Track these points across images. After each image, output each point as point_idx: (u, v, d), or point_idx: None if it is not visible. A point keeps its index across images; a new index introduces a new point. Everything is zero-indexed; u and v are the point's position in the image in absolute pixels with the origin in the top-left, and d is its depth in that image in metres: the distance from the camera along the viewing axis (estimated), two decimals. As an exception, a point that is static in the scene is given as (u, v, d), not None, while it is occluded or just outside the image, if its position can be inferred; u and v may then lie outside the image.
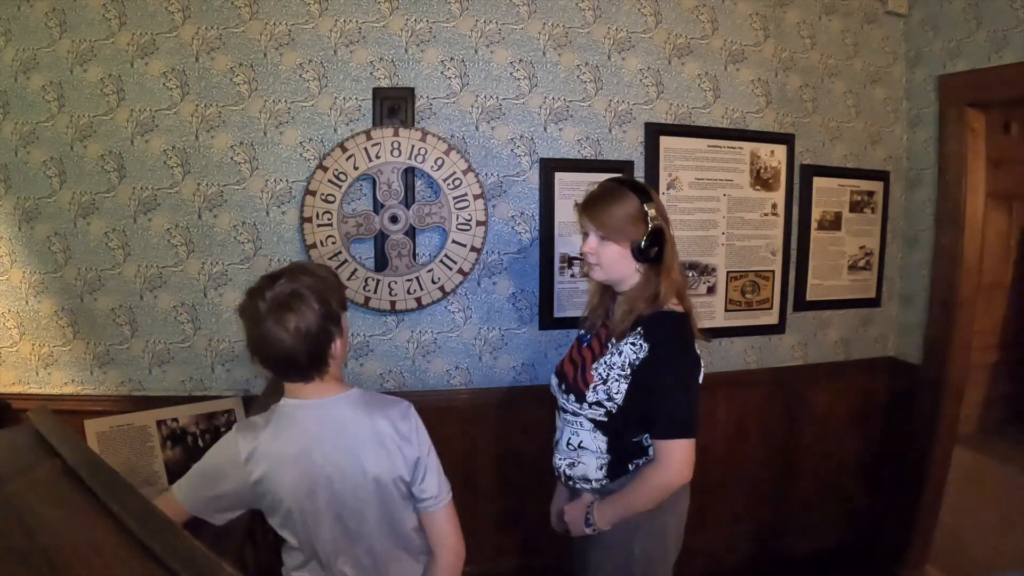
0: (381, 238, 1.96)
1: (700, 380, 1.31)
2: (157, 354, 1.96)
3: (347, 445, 1.09)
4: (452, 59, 1.98)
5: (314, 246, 1.91)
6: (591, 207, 1.31)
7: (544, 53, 2.04)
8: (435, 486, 1.16)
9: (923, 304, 2.37)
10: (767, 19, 2.22)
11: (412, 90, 1.95)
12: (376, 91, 1.93)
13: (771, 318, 2.33)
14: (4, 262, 1.91)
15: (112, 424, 1.81)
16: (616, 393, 1.28)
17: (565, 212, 2.07)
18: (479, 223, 1.99)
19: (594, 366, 1.33)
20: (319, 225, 1.91)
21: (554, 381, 1.46)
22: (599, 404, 1.30)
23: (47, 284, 1.92)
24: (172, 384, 1.97)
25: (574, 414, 1.36)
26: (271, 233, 1.94)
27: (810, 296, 2.38)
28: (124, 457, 1.79)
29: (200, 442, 1.88)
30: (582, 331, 1.50)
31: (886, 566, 2.40)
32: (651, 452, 1.31)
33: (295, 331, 1.04)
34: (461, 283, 2.01)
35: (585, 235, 1.36)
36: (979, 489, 2.94)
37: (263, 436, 1.08)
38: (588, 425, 1.34)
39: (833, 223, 2.37)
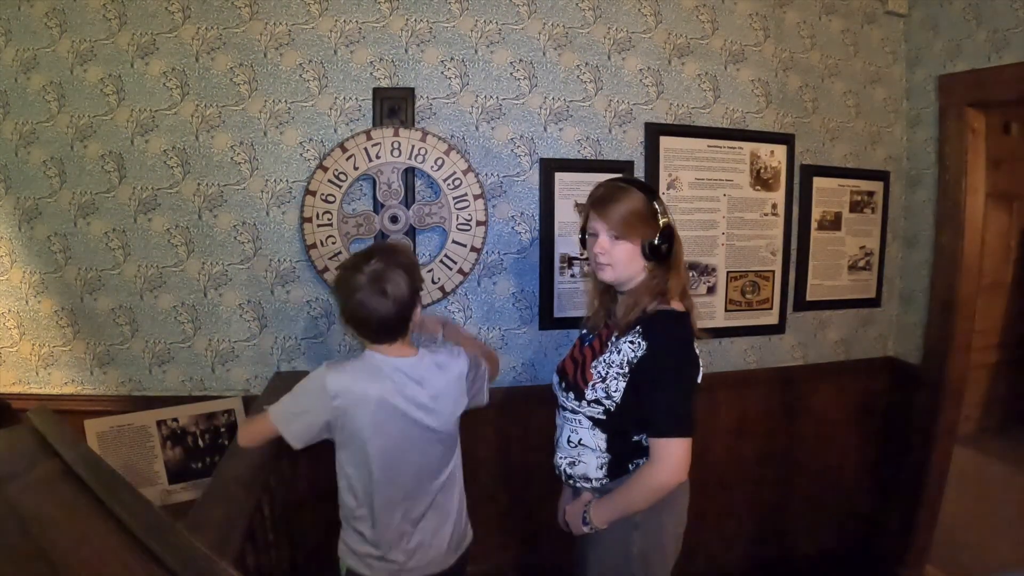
0: (381, 238, 1.96)
1: (699, 380, 1.31)
2: (157, 354, 1.96)
3: (425, 391, 1.33)
4: (452, 59, 1.98)
5: (314, 246, 1.91)
6: (602, 206, 1.29)
7: (544, 53, 2.04)
8: (486, 384, 1.52)
9: (923, 304, 2.37)
10: (767, 19, 2.22)
11: (412, 90, 1.95)
12: (376, 91, 1.93)
13: (771, 318, 2.33)
14: (4, 262, 1.91)
15: (112, 424, 1.81)
16: (614, 391, 1.28)
17: (565, 212, 2.07)
18: (479, 223, 1.99)
19: (593, 364, 1.33)
20: (319, 225, 1.91)
21: (555, 379, 1.46)
22: (598, 402, 1.30)
23: (47, 284, 1.92)
24: (172, 384, 1.97)
25: (573, 412, 1.36)
26: (271, 233, 1.95)
27: (810, 296, 2.38)
28: (124, 457, 1.79)
29: (200, 442, 1.88)
30: (584, 331, 1.49)
31: (886, 566, 2.40)
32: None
33: (392, 299, 1.25)
34: (461, 283, 2.01)
35: (592, 236, 1.34)
36: (979, 489, 2.94)
37: (350, 378, 1.27)
38: (587, 423, 1.34)
39: (833, 223, 2.37)
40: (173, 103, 1.87)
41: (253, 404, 1.72)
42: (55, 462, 0.60)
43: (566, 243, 2.09)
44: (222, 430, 1.90)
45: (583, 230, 1.40)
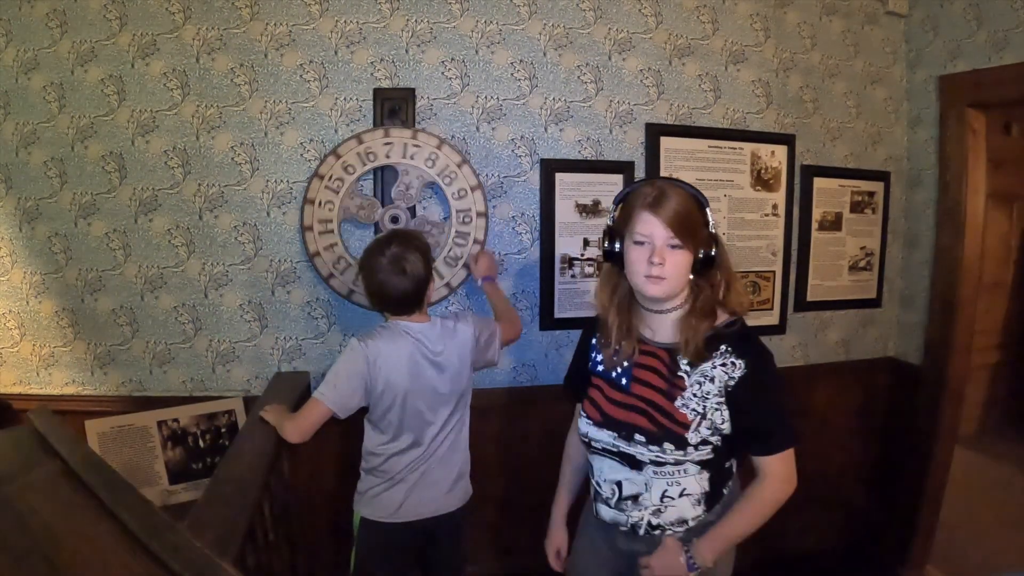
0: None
1: None
2: (158, 354, 1.96)
3: (438, 352, 1.54)
4: (453, 60, 1.98)
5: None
6: (660, 207, 1.09)
7: (544, 54, 2.04)
8: (496, 344, 1.68)
9: (923, 304, 2.37)
10: (767, 19, 2.22)
11: (413, 91, 1.95)
12: (377, 92, 1.94)
13: (772, 318, 2.33)
14: (5, 262, 1.91)
15: (113, 424, 1.81)
16: (722, 424, 1.13)
17: (566, 212, 2.07)
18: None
19: (679, 403, 1.14)
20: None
21: (605, 435, 1.21)
22: (705, 442, 1.13)
23: (48, 284, 1.92)
24: (173, 384, 1.97)
25: (677, 463, 1.15)
26: (272, 234, 1.95)
27: (810, 296, 2.38)
28: (125, 457, 1.79)
29: (201, 442, 1.88)
30: (600, 367, 1.26)
31: (886, 566, 2.40)
32: (734, 471, 1.26)
33: (411, 277, 1.46)
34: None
35: (641, 243, 1.11)
36: (979, 489, 2.94)
37: (382, 344, 1.48)
38: (694, 469, 1.16)
39: (834, 223, 2.37)
40: (174, 103, 1.88)
41: (254, 405, 1.72)
42: (56, 462, 0.60)
43: (566, 243, 2.09)
44: (223, 430, 1.91)
45: (612, 235, 1.17)
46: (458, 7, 1.97)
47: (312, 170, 1.90)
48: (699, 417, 1.12)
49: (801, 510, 2.51)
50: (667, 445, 1.13)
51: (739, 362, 1.12)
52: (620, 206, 1.19)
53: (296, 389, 1.81)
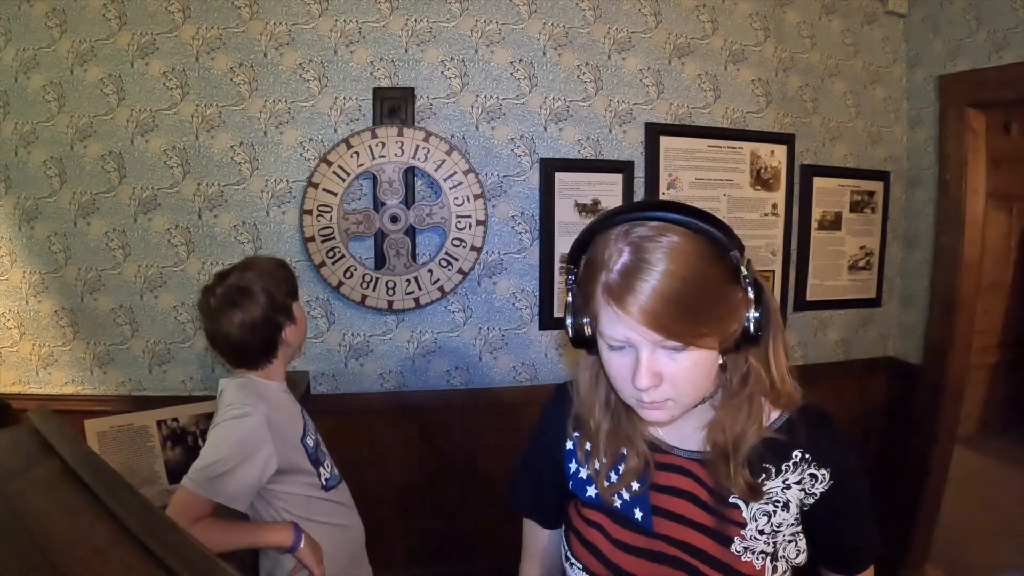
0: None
1: None
2: (157, 354, 1.96)
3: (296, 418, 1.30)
4: (452, 59, 1.98)
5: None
6: (641, 298, 0.62)
7: (544, 53, 2.04)
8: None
9: (923, 304, 2.37)
10: (767, 19, 2.22)
11: (412, 90, 1.95)
12: (376, 91, 1.93)
13: (771, 318, 2.33)
14: (4, 262, 1.91)
15: (112, 424, 1.80)
16: (797, 556, 0.76)
17: (565, 212, 2.07)
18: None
19: (738, 547, 0.73)
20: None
21: None
22: None
23: (47, 284, 1.92)
24: (172, 384, 1.97)
25: None
26: (271, 233, 1.94)
27: (810, 296, 2.38)
28: (124, 457, 1.79)
29: (200, 442, 1.88)
30: (589, 491, 0.82)
31: (886, 566, 2.40)
32: None
33: (240, 324, 1.17)
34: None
35: (618, 348, 0.67)
36: (979, 489, 2.94)
37: (264, 407, 1.19)
38: None
39: (833, 223, 2.37)
40: (173, 103, 1.87)
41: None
42: (55, 462, 0.59)
43: (566, 243, 2.08)
44: (222, 430, 1.90)
45: (579, 324, 0.72)
46: (457, 6, 1.97)
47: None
48: (768, 560, 0.73)
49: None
50: None
51: (822, 473, 0.74)
52: (579, 266, 0.71)
53: (296, 388, 1.81)
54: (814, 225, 2.34)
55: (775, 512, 0.74)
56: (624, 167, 2.10)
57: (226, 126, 1.90)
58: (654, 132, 2.12)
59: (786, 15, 2.24)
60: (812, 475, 0.74)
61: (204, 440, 1.15)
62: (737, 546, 0.73)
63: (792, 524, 0.75)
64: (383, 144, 1.91)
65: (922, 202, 2.37)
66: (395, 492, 2.09)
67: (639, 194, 2.12)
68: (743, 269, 0.67)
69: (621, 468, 0.78)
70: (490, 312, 2.09)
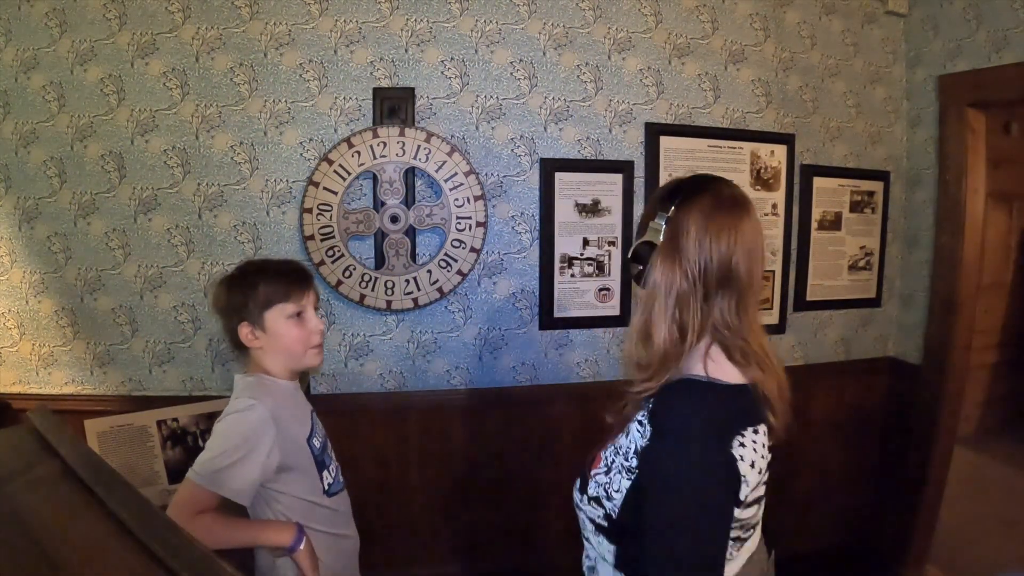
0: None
1: (744, 496, 0.82)
2: (157, 354, 1.96)
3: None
4: (452, 59, 1.98)
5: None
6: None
7: (544, 53, 2.04)
8: None
9: (923, 304, 2.37)
10: (767, 19, 2.22)
11: (412, 90, 1.95)
12: (376, 91, 1.93)
13: (771, 318, 2.33)
14: (4, 262, 1.91)
15: (112, 424, 1.80)
16: (616, 491, 0.88)
17: (565, 212, 2.07)
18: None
19: (607, 451, 0.94)
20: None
21: None
22: (597, 501, 0.91)
23: (47, 284, 1.92)
24: (172, 384, 1.97)
25: (576, 507, 0.98)
26: (271, 233, 1.94)
27: (810, 296, 2.38)
28: (124, 457, 1.79)
29: (200, 442, 1.88)
30: None
31: (886, 566, 2.40)
32: None
33: (215, 302, 1.25)
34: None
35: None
36: (979, 489, 2.94)
37: (270, 401, 1.19)
38: (590, 526, 0.95)
39: (833, 223, 2.37)
40: (173, 103, 1.87)
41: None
42: (55, 462, 0.59)
43: (566, 243, 2.09)
44: (222, 430, 1.90)
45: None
46: (458, 6, 1.97)
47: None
48: (604, 471, 0.91)
49: (801, 509, 2.52)
50: (578, 480, 0.97)
51: (648, 428, 0.85)
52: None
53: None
54: (814, 225, 2.34)
55: (623, 434, 0.90)
56: (624, 167, 2.10)
57: (226, 126, 1.90)
58: (654, 132, 2.12)
59: (786, 15, 2.24)
60: (644, 427, 0.86)
61: (204, 440, 1.15)
62: (612, 445, 0.93)
63: (623, 456, 0.88)
64: (384, 144, 1.91)
65: (922, 202, 2.37)
66: (395, 492, 2.09)
67: (639, 194, 2.13)
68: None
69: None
70: (490, 312, 2.09)
